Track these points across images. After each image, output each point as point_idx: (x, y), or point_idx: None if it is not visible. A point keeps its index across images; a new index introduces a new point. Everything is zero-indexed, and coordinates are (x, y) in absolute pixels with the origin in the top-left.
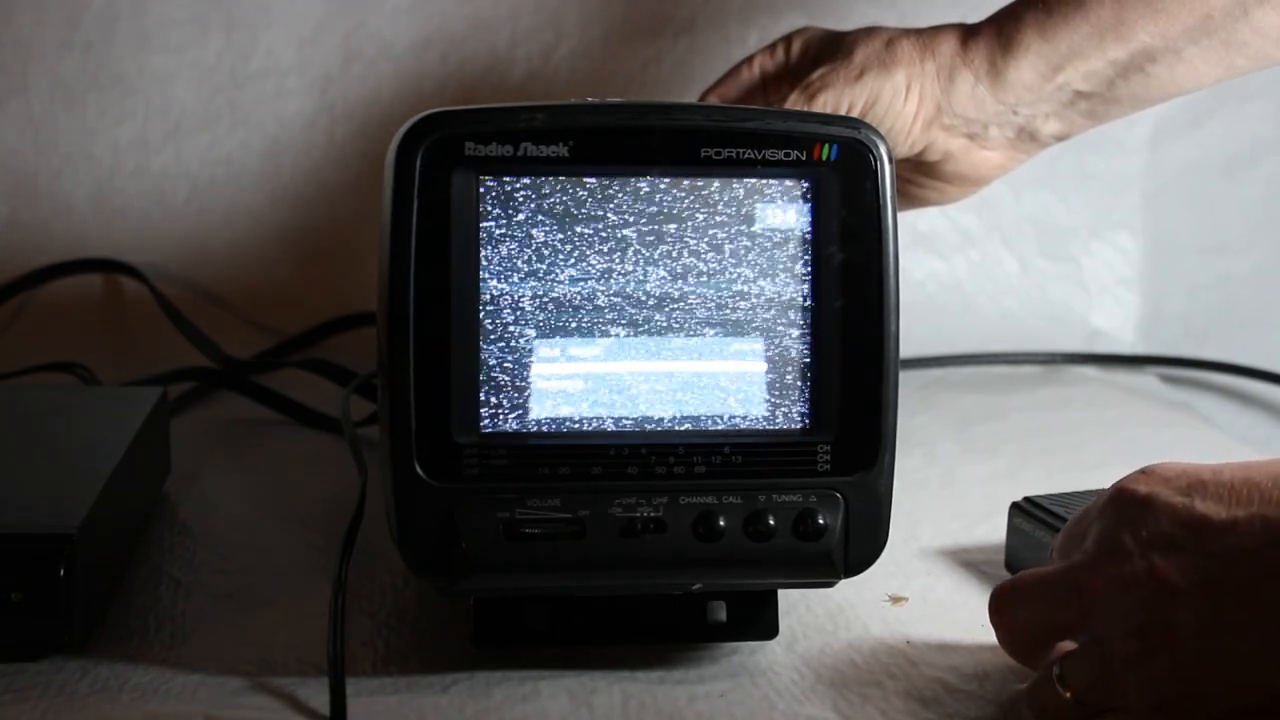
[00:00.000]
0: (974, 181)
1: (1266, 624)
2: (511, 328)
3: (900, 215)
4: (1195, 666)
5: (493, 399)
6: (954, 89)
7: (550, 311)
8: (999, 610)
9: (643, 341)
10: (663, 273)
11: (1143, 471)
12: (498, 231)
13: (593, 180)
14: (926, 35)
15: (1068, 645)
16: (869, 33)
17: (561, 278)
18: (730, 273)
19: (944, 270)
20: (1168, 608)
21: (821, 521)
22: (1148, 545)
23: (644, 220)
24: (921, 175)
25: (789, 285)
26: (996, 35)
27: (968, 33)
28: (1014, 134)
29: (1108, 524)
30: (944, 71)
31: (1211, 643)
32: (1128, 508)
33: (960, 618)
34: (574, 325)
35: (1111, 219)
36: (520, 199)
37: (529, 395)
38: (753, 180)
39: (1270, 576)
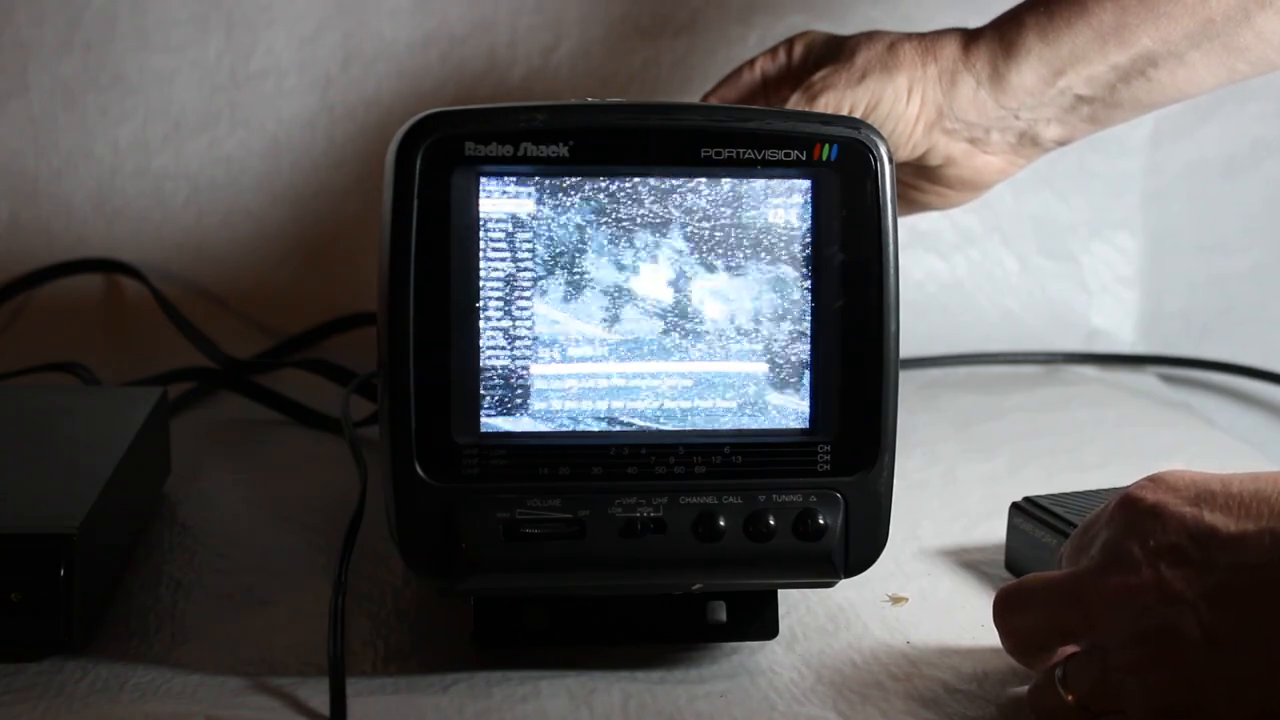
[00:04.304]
0: (975, 186)
1: (1271, 638)
2: (511, 327)
3: (900, 218)
4: (1198, 677)
5: (493, 399)
6: (955, 93)
7: (549, 311)
8: (1003, 613)
9: (643, 341)
10: (662, 272)
11: (1151, 479)
12: (497, 231)
13: (593, 180)
14: (928, 39)
15: (1071, 648)
16: (871, 36)
17: (561, 278)
18: (730, 272)
19: (944, 269)
20: (1173, 618)
21: (821, 521)
22: (1155, 555)
23: (644, 220)
24: (923, 180)
25: (789, 285)
26: (998, 39)
27: (969, 37)
28: (1015, 138)
29: (1115, 532)
30: (946, 75)
31: (1215, 654)
32: (1136, 516)
33: (960, 618)
34: (574, 325)
35: (1111, 218)
36: (520, 199)
37: (529, 395)
38: (753, 180)
39: (1277, 592)
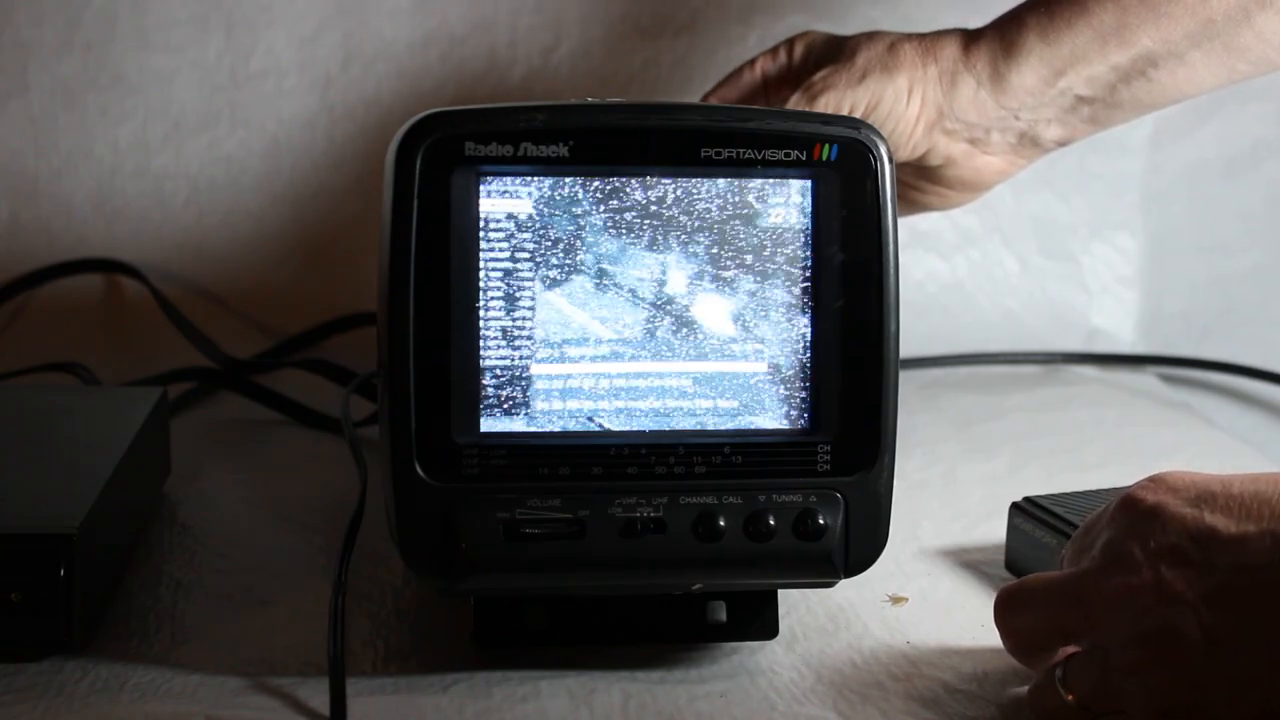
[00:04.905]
0: (975, 187)
1: (1272, 640)
2: (511, 327)
3: (900, 218)
4: (1199, 678)
5: (493, 399)
6: (956, 93)
7: (550, 311)
8: (1004, 614)
9: (642, 341)
10: (662, 272)
11: (1152, 480)
12: (497, 231)
13: (592, 180)
14: (929, 39)
15: (1072, 648)
16: (871, 36)
17: (561, 278)
18: (730, 273)
19: (944, 269)
20: (1174, 619)
21: (821, 521)
22: (1156, 556)
23: (643, 220)
24: (923, 180)
25: (789, 285)
26: (999, 39)
27: (970, 37)
28: (1015, 139)
29: (1116, 533)
30: (946, 75)
31: (1216, 656)
32: (1136, 517)
33: (960, 618)
34: (573, 325)
35: (1111, 218)
36: (520, 199)
37: (529, 395)
38: (753, 180)
39: (1277, 593)
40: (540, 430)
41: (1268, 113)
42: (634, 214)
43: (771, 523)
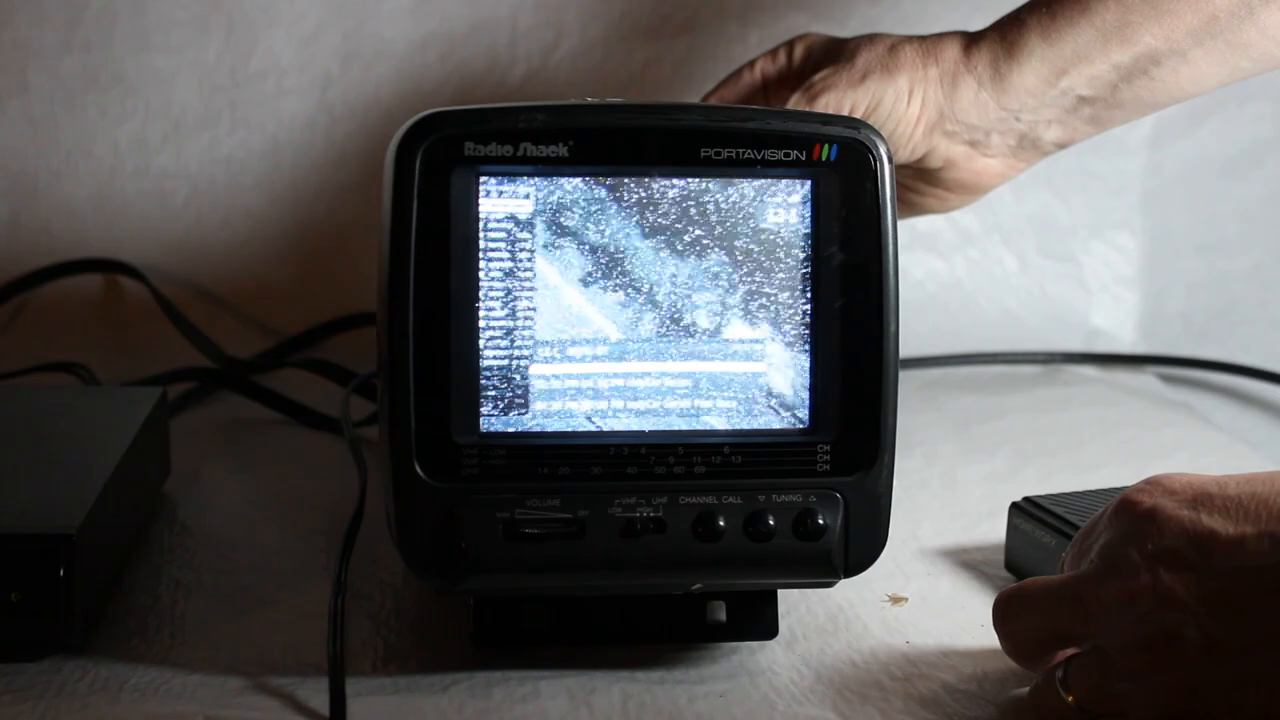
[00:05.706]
0: (974, 189)
1: (1271, 642)
2: (511, 327)
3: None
4: (1198, 682)
5: (493, 399)
6: (957, 94)
7: (549, 311)
8: (1004, 618)
9: (642, 341)
10: (662, 272)
11: (1148, 482)
12: (497, 231)
13: (592, 180)
14: (930, 41)
15: (1072, 649)
16: (872, 38)
17: (560, 277)
18: (730, 272)
19: (944, 269)
20: (1173, 622)
21: (821, 521)
22: (1154, 560)
23: (643, 220)
24: (922, 182)
25: (789, 285)
26: (1000, 40)
27: (971, 39)
28: (1016, 141)
29: (1114, 536)
30: (947, 77)
31: (1215, 659)
32: (1133, 521)
33: (960, 618)
34: (573, 324)
35: (1111, 218)
36: (520, 199)
37: (529, 395)
38: (753, 180)
39: (1276, 595)
40: (540, 430)
41: (1267, 112)
42: (633, 214)
43: (771, 523)
